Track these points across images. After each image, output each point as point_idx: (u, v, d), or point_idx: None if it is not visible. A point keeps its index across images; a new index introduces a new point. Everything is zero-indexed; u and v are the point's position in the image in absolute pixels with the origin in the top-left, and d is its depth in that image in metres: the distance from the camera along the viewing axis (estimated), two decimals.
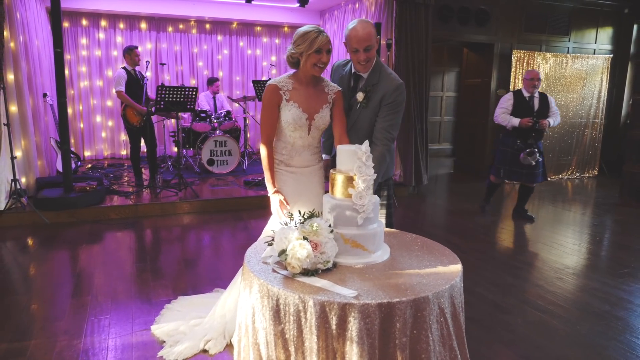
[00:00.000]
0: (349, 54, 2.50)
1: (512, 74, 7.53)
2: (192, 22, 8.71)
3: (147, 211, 5.32)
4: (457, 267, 1.98)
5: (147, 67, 6.32)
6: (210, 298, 3.19)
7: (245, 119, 8.13)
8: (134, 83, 5.83)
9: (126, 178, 6.70)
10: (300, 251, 1.81)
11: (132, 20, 8.25)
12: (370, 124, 2.56)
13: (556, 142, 8.01)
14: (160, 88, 5.66)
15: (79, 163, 6.93)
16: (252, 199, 5.80)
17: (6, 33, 4.74)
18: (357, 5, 7.48)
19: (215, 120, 7.37)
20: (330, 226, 1.95)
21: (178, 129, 6.03)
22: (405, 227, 5.10)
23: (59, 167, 6.08)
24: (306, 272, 1.83)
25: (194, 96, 5.86)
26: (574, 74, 7.92)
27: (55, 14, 4.86)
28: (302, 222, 1.95)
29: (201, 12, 8.25)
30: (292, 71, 2.48)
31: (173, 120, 8.45)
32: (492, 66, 7.72)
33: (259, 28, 9.23)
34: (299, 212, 2.11)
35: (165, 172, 7.07)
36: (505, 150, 5.34)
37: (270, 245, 2.05)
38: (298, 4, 7.43)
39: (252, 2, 7.71)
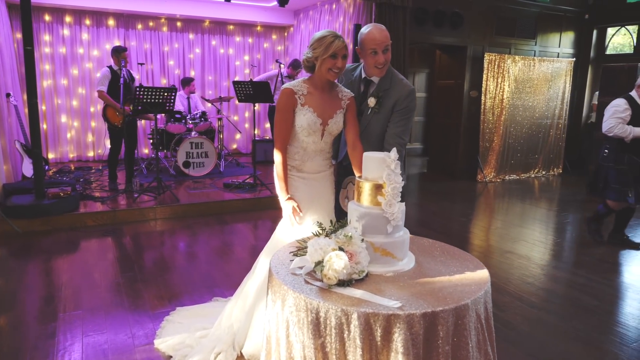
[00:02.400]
0: (365, 59, 2.47)
1: (484, 76, 7.72)
2: (163, 20, 8.45)
3: (126, 217, 5.12)
4: (485, 272, 2.00)
5: (138, 68, 6.12)
6: (212, 308, 3.10)
7: (219, 119, 7.98)
8: (118, 83, 5.61)
9: (98, 182, 6.42)
10: (337, 262, 1.77)
11: (99, 16, 7.91)
12: (381, 129, 2.55)
13: (524, 142, 8.28)
14: (138, 89, 5.47)
15: (47, 167, 6.58)
16: (234, 202, 5.69)
17: None
18: (334, 6, 7.48)
19: (190, 122, 7.18)
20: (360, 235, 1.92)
21: (156, 131, 5.83)
22: None
23: (25, 172, 5.77)
24: (342, 283, 1.80)
25: (172, 97, 5.69)
26: (540, 76, 8.22)
27: (25, 9, 4.58)
28: (333, 232, 1.92)
29: (172, 9, 8.03)
30: (306, 75, 2.44)
31: (143, 122, 8.20)
32: (465, 68, 7.89)
33: (231, 27, 9.07)
34: (318, 222, 2.09)
35: (139, 175, 6.83)
36: (622, 168, 4.49)
37: (296, 255, 2.00)
38: (276, 3, 7.34)
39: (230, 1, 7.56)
